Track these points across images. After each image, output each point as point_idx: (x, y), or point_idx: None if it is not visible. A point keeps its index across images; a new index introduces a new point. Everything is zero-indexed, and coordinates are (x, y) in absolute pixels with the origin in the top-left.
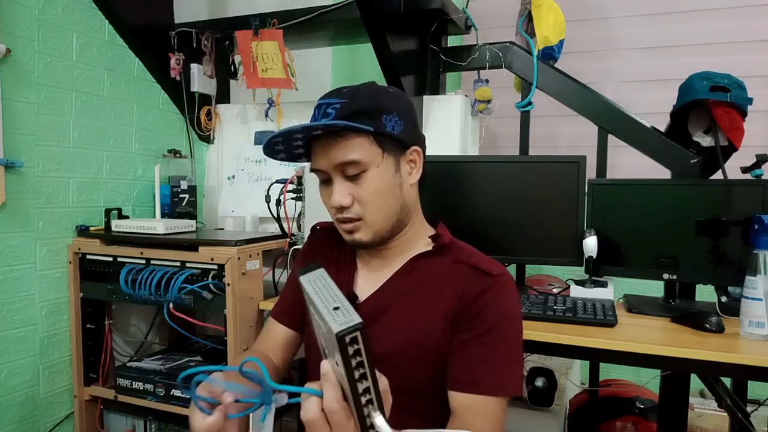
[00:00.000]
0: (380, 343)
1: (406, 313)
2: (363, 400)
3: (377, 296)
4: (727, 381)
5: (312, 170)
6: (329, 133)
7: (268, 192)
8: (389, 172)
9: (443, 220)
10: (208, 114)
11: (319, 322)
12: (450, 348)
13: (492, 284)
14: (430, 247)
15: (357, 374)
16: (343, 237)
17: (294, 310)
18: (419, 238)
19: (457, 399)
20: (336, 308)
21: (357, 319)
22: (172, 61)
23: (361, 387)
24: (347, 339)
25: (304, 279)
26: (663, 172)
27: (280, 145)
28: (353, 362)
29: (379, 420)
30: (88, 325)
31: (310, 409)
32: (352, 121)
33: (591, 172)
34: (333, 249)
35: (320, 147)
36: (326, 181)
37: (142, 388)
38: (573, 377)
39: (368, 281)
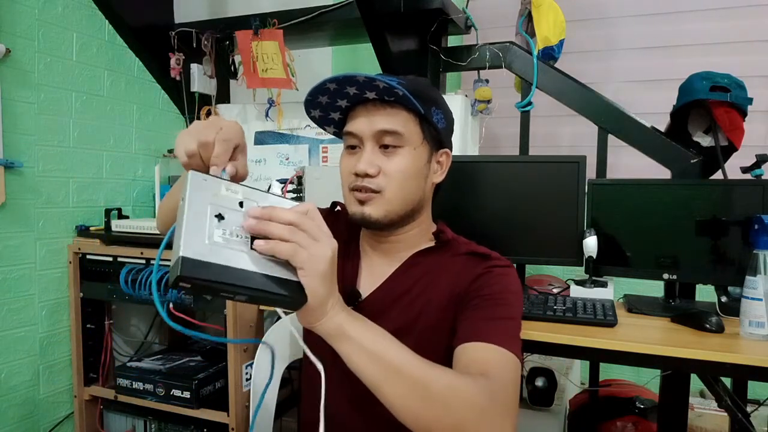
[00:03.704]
0: None
1: (408, 309)
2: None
3: (379, 293)
4: (727, 381)
5: (345, 133)
6: (379, 100)
7: (268, 192)
8: (421, 159)
9: (443, 219)
10: (208, 114)
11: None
12: (455, 326)
13: (492, 264)
14: (431, 244)
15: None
16: (351, 211)
17: None
18: (423, 236)
19: (465, 349)
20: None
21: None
22: (172, 61)
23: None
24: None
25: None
26: (663, 172)
27: (325, 97)
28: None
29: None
30: (88, 325)
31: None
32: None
33: (591, 172)
34: (341, 238)
35: (365, 110)
36: (353, 147)
37: (142, 388)
38: (573, 377)
39: (370, 277)
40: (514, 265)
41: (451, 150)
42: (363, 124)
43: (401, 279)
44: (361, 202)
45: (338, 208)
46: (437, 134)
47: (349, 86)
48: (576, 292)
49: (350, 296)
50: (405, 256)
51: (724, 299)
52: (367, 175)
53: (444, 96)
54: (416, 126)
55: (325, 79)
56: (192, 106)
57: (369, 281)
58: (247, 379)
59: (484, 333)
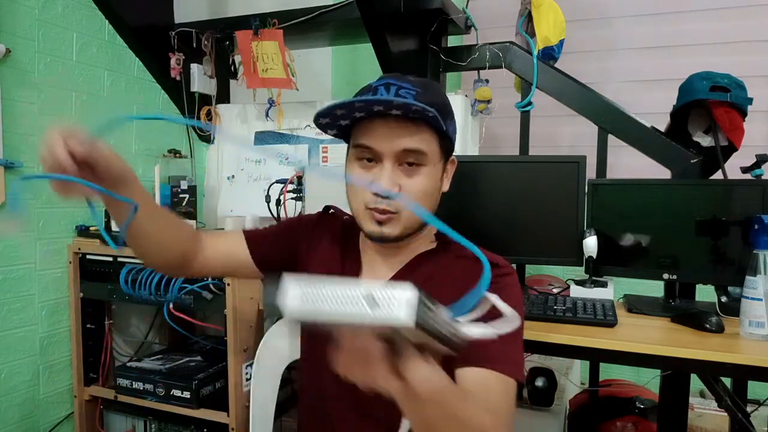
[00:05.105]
0: None
1: None
2: (452, 338)
3: None
4: (727, 381)
5: (359, 145)
6: (403, 116)
7: (268, 192)
8: (437, 175)
9: (444, 221)
10: (208, 114)
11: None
12: None
13: (497, 274)
14: (433, 245)
15: (440, 330)
16: (368, 229)
17: (268, 247)
18: (425, 239)
19: (470, 375)
20: (373, 300)
21: (408, 294)
22: (172, 61)
23: (447, 330)
24: (419, 321)
25: (292, 307)
26: (663, 172)
27: (344, 110)
28: (431, 326)
29: (468, 331)
30: (88, 325)
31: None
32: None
33: (591, 172)
34: (337, 241)
35: (386, 125)
36: (368, 161)
37: (142, 388)
38: (573, 377)
39: (372, 279)
40: (514, 265)
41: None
42: (384, 140)
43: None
44: (379, 222)
45: (332, 210)
46: (451, 146)
47: (377, 105)
48: (576, 292)
49: None
50: (407, 258)
51: (724, 299)
52: (387, 195)
53: None
54: (437, 143)
55: (355, 99)
56: (192, 106)
57: None
58: (247, 379)
59: (486, 357)
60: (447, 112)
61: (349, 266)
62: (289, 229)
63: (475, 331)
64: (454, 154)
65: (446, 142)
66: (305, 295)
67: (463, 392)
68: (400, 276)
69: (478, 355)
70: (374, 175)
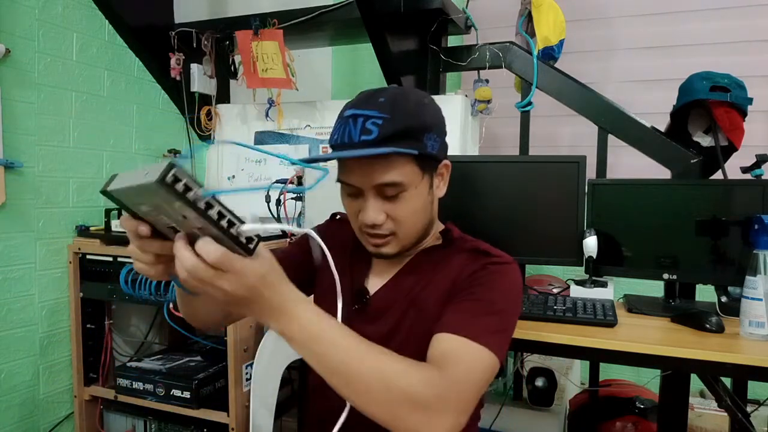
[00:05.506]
0: (388, 338)
1: (410, 305)
2: (224, 224)
3: (384, 291)
4: (727, 381)
5: (341, 181)
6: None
7: (268, 192)
8: (425, 191)
9: (444, 219)
10: (208, 114)
11: (155, 202)
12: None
13: (489, 261)
14: (439, 242)
15: (203, 205)
16: (365, 246)
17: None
18: (431, 237)
19: (432, 342)
20: (145, 173)
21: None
22: (172, 61)
23: (214, 213)
24: (169, 180)
25: (112, 187)
26: (663, 172)
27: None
28: (191, 196)
29: (245, 227)
30: (88, 325)
31: (187, 258)
32: (397, 143)
33: (591, 172)
34: (347, 240)
35: (357, 164)
36: (355, 195)
37: (142, 388)
38: (573, 377)
39: (378, 276)
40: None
41: (447, 153)
42: (360, 176)
43: (406, 276)
44: (377, 246)
45: (339, 216)
46: (434, 159)
47: (337, 157)
48: (576, 292)
49: (358, 295)
50: (412, 254)
51: (724, 299)
52: (375, 224)
53: (444, 96)
54: (414, 166)
55: (317, 156)
56: (192, 106)
57: (377, 280)
58: (247, 379)
59: (457, 326)
60: (422, 128)
61: (357, 266)
62: (300, 247)
63: (248, 226)
64: (451, 155)
65: (425, 160)
66: (119, 179)
67: (360, 338)
68: (403, 271)
69: (446, 324)
70: (360, 205)
